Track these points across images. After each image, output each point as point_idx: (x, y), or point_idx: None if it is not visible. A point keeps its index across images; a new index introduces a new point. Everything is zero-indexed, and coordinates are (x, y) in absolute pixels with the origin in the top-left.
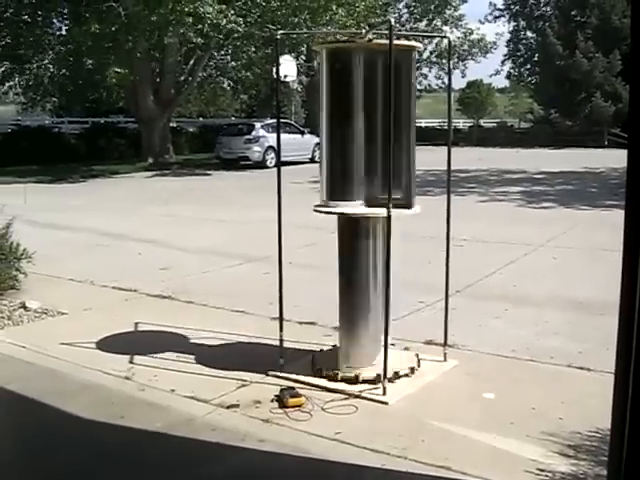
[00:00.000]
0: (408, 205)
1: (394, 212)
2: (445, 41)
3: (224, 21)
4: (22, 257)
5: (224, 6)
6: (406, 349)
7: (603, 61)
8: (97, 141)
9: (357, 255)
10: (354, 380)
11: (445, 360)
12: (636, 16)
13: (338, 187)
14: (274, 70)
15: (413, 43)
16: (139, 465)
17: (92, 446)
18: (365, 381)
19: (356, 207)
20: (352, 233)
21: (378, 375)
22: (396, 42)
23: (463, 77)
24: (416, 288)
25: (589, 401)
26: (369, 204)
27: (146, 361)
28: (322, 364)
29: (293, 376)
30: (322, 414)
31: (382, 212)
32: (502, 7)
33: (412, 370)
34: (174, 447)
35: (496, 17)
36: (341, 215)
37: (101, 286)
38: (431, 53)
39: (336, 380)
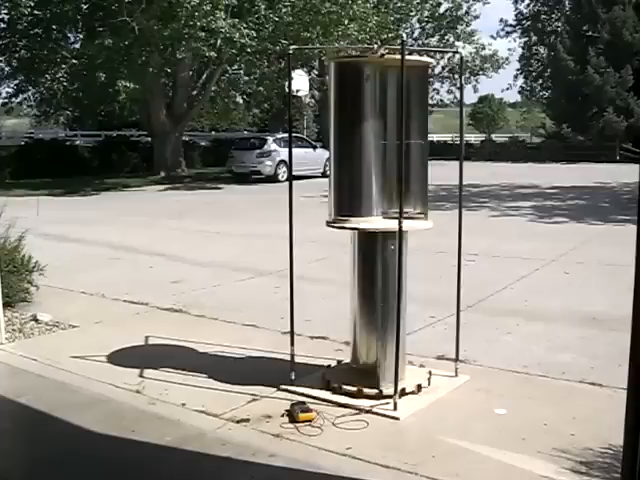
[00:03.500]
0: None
1: (409, 225)
2: (457, 56)
3: (237, 35)
4: (34, 270)
5: (237, 20)
6: (422, 366)
7: (615, 76)
8: (110, 154)
9: (372, 271)
10: (367, 395)
11: (457, 375)
12: None
13: (355, 201)
14: (286, 84)
15: (425, 59)
16: None
17: (102, 460)
18: (376, 396)
19: (372, 222)
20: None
21: (381, 391)
22: (408, 57)
23: (475, 92)
24: (428, 303)
25: (601, 417)
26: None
27: (157, 375)
28: (333, 379)
29: (304, 391)
30: (333, 429)
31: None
32: (513, 23)
33: (423, 386)
34: (184, 462)
35: (508, 32)
36: (357, 230)
37: (112, 299)
38: (443, 68)
39: (347, 395)
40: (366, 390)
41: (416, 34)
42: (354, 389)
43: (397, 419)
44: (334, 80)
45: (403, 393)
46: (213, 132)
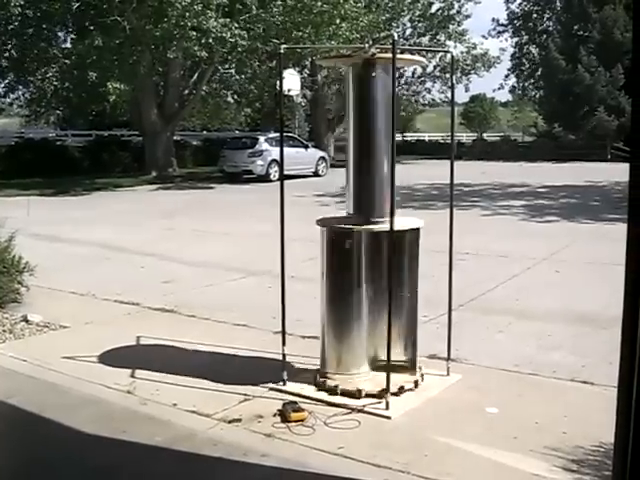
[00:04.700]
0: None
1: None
2: (448, 56)
3: (228, 35)
4: (24, 270)
5: (228, 20)
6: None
7: (605, 75)
8: (101, 154)
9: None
10: (357, 395)
11: (448, 374)
12: (638, 31)
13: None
14: (278, 84)
15: (417, 57)
16: None
17: (93, 461)
18: (368, 395)
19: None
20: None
21: (381, 390)
22: (399, 56)
23: (466, 91)
24: (419, 302)
25: (592, 415)
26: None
27: (148, 375)
28: (325, 378)
29: (296, 390)
30: (325, 429)
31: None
32: (505, 22)
33: (415, 384)
34: (176, 462)
35: (499, 32)
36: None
37: (103, 299)
38: (435, 68)
39: (339, 394)
40: (358, 389)
41: (407, 33)
42: (346, 388)
43: (389, 418)
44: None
45: (395, 392)
46: (204, 131)
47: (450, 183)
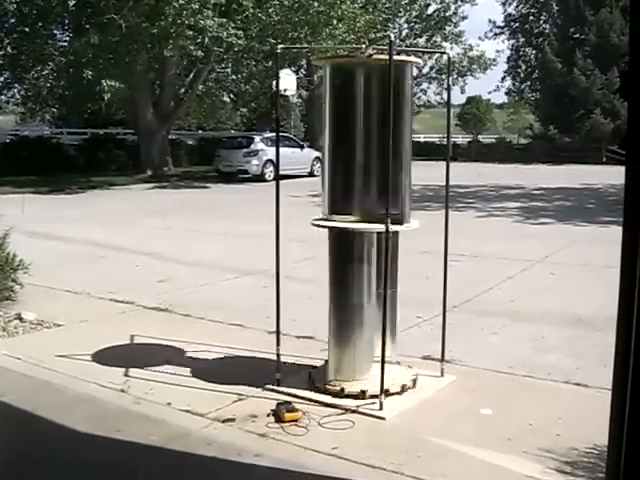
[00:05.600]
0: (401, 221)
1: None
2: (445, 57)
3: (224, 34)
4: (18, 268)
5: (225, 19)
6: (408, 366)
7: (601, 78)
8: (96, 152)
9: (350, 270)
10: (351, 395)
11: (442, 376)
12: (635, 34)
13: (338, 201)
14: (274, 84)
15: (412, 58)
16: None
17: (87, 460)
18: (362, 396)
19: (351, 222)
20: (346, 247)
21: (361, 391)
22: (396, 57)
23: (462, 93)
24: (414, 303)
25: (586, 417)
26: (364, 219)
27: (142, 374)
28: (319, 379)
29: (290, 390)
30: (319, 429)
31: (377, 227)
32: (502, 24)
33: (409, 386)
34: (169, 462)
35: (496, 34)
36: (336, 229)
37: (98, 298)
38: (431, 69)
39: (333, 395)
40: (352, 390)
41: (404, 34)
42: (340, 389)
43: (383, 419)
44: None
45: (389, 393)
46: (200, 131)
47: (446, 184)
